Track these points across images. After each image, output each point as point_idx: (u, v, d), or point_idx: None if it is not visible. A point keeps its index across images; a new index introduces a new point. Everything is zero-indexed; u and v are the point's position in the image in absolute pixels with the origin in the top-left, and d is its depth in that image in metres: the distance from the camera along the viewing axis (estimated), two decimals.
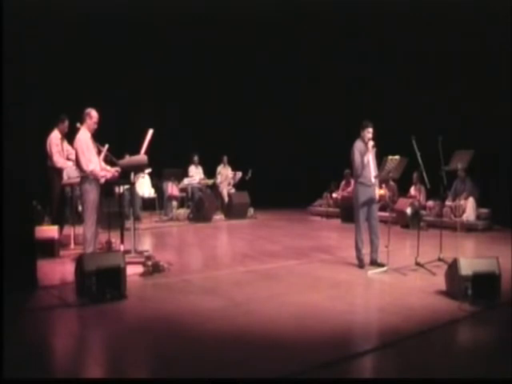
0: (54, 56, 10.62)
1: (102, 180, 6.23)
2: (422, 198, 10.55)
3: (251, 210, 12.27)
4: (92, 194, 6.13)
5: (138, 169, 7.29)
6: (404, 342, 3.91)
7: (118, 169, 6.38)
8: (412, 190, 10.93)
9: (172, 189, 11.86)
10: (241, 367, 3.41)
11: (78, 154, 6.16)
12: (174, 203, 11.96)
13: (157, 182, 12.22)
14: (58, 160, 7.59)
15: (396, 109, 11.18)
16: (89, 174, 6.11)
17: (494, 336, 4.24)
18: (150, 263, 6.02)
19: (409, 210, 10.01)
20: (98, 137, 6.43)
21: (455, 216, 9.79)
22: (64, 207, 8.19)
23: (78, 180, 6.75)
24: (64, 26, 10.76)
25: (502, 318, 4.54)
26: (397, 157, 6.19)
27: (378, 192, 7.03)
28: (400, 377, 3.32)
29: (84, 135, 6.24)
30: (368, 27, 11.83)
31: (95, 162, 6.21)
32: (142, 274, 5.87)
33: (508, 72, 9.31)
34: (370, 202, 6.44)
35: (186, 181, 11.88)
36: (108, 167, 6.48)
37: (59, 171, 7.66)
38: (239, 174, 12.63)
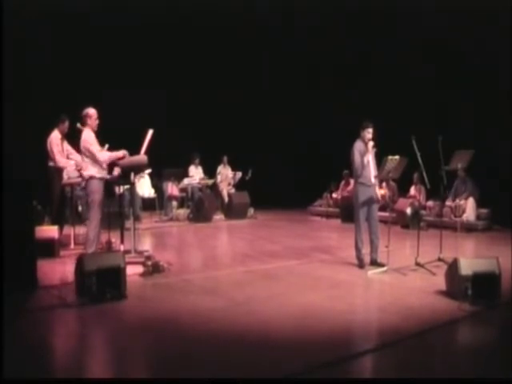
0: (54, 56, 10.62)
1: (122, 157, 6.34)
2: (422, 198, 10.55)
3: (251, 210, 12.27)
4: (98, 195, 6.20)
5: (138, 169, 7.28)
6: (404, 342, 3.91)
7: (125, 152, 6.41)
8: (412, 190, 10.94)
9: (172, 189, 11.86)
10: (241, 367, 3.41)
11: (90, 150, 6.20)
12: (174, 203, 11.96)
13: (157, 182, 12.23)
14: (61, 159, 7.59)
15: (396, 109, 11.18)
16: (107, 160, 6.25)
17: (493, 336, 4.24)
18: (149, 263, 6.02)
19: (409, 210, 10.01)
20: (99, 137, 6.44)
21: (455, 216, 9.80)
22: (64, 207, 8.19)
23: (79, 180, 6.76)
24: (64, 26, 10.76)
25: (502, 318, 4.54)
26: (397, 157, 6.19)
27: (380, 192, 7.04)
28: (400, 377, 3.32)
29: (89, 135, 6.27)
30: (368, 27, 11.82)
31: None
32: (142, 274, 5.87)
33: (508, 72, 9.32)
34: (369, 202, 6.44)
35: (186, 181, 11.88)
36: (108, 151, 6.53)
37: (59, 171, 7.66)
38: (239, 174, 12.62)
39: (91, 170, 6.24)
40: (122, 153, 6.38)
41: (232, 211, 12.00)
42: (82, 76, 11.08)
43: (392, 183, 10.96)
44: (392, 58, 11.68)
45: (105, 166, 6.33)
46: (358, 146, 6.44)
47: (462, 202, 9.88)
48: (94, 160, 6.25)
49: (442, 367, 3.48)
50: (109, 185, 6.62)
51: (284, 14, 12.52)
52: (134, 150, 6.63)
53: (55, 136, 7.65)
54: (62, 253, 7.04)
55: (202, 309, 4.67)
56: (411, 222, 9.84)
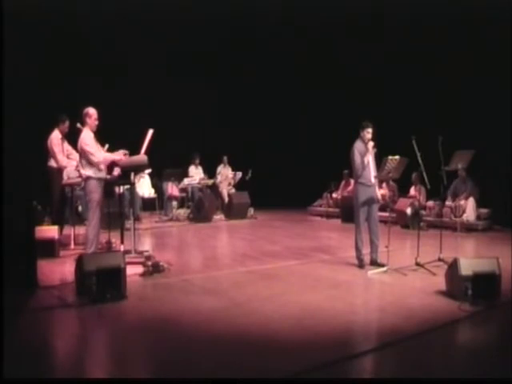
0: (54, 56, 10.61)
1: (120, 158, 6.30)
2: (422, 198, 10.54)
3: (251, 210, 12.27)
4: (97, 194, 6.20)
5: (138, 169, 7.28)
6: (404, 342, 3.91)
7: (125, 151, 6.40)
8: (412, 190, 10.93)
9: (172, 189, 11.87)
10: (241, 367, 3.41)
11: (85, 150, 6.18)
12: (174, 203, 11.96)
13: (157, 182, 12.24)
14: (63, 159, 7.59)
15: (396, 109, 11.18)
16: (102, 162, 6.18)
17: (493, 336, 4.24)
18: (149, 263, 6.03)
19: (409, 210, 10.01)
20: (99, 137, 6.44)
21: (455, 216, 9.80)
22: (64, 207, 8.19)
23: (78, 180, 6.75)
24: (64, 26, 10.76)
25: (502, 318, 4.54)
26: (397, 157, 6.19)
27: (380, 192, 7.04)
28: (400, 377, 3.32)
29: (87, 135, 6.26)
30: (369, 27, 11.81)
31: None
32: (142, 274, 5.87)
33: (508, 72, 9.31)
34: (370, 202, 6.44)
35: (186, 181, 11.88)
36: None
37: (59, 171, 7.66)
38: (239, 174, 12.62)
39: (88, 171, 6.23)
40: (119, 155, 6.35)
41: (232, 211, 12.00)
42: (82, 76, 11.07)
43: (392, 183, 10.96)
44: (392, 57, 11.69)
45: (102, 166, 6.30)
46: (358, 146, 6.44)
47: (462, 202, 9.88)
48: (90, 161, 6.25)
49: (442, 367, 3.48)
50: (109, 185, 6.61)
51: (283, 11, 12.50)
52: (134, 150, 6.64)
53: (55, 136, 7.64)
54: (61, 253, 7.04)
55: (202, 309, 4.67)
56: (411, 222, 9.84)
